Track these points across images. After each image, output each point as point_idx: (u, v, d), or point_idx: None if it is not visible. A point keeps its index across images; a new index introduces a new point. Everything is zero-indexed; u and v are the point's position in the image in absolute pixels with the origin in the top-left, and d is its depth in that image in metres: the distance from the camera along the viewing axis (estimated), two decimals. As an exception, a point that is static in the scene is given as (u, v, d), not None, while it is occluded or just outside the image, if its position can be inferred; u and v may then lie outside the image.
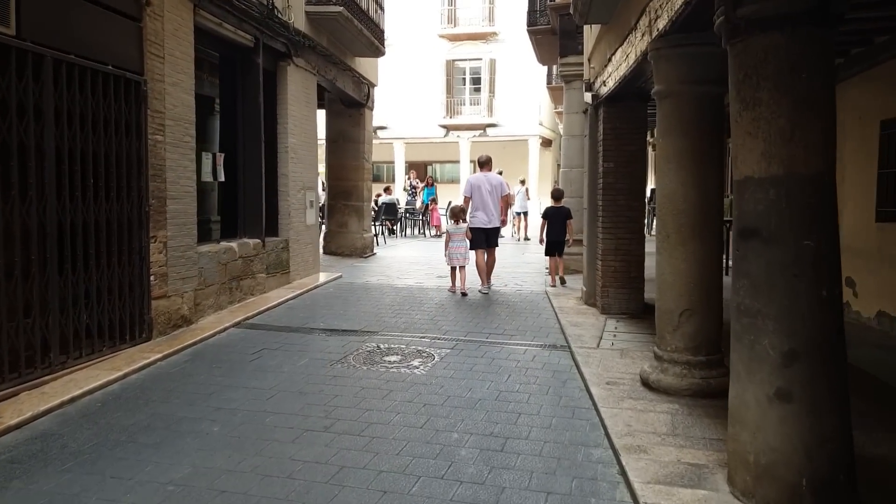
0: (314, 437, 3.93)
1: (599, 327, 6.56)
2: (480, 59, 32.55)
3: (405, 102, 33.27)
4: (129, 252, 5.69)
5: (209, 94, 7.74)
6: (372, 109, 13.08)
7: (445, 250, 8.84)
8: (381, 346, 5.98)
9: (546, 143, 34.30)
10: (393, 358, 5.62)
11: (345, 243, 12.69)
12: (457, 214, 8.94)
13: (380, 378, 5.05)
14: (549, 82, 17.52)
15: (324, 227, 13.37)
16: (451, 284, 8.88)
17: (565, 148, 10.52)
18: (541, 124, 32.34)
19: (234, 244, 7.53)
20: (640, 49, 5.04)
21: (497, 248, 9.30)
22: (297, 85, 9.10)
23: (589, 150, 7.57)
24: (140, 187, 5.79)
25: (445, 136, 33.44)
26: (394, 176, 35.05)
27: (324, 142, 13.04)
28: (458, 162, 33.85)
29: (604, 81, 6.87)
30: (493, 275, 9.39)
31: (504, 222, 9.38)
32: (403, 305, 7.88)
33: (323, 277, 9.68)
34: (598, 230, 7.30)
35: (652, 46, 4.55)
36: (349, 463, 3.56)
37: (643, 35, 4.86)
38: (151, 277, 5.94)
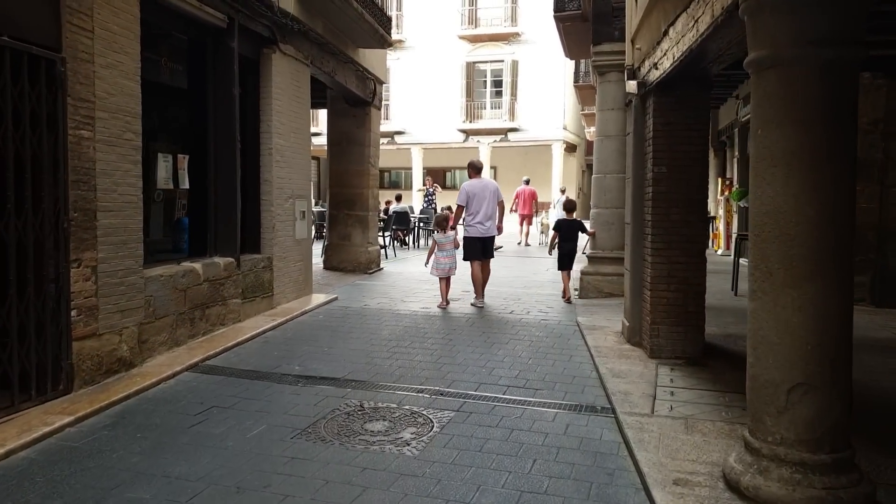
0: (232, 587, 2.54)
1: (650, 379, 5.10)
2: (502, 60, 31.21)
3: (423, 106, 32.01)
4: (39, 280, 4.37)
5: (172, 84, 6.43)
6: (379, 109, 11.73)
7: (428, 260, 8.39)
8: (366, 405, 4.58)
9: (570, 148, 32.86)
10: (378, 426, 4.21)
11: (347, 258, 11.33)
12: (441, 223, 8.42)
13: (354, 463, 3.64)
14: (576, 80, 16.11)
15: (324, 239, 12.06)
16: (440, 300, 8.26)
17: (598, 150, 9.07)
18: (565, 128, 30.91)
19: (197, 265, 6.18)
20: (719, 6, 3.61)
21: (493, 260, 8.76)
22: (285, 76, 7.77)
23: (633, 151, 6.12)
24: (56, 197, 4.47)
25: (465, 141, 32.12)
26: (412, 183, 33.79)
27: (325, 145, 11.74)
28: (478, 168, 32.48)
29: (654, 64, 5.43)
30: (513, 298, 8.09)
31: (500, 229, 8.71)
32: (403, 340, 6.48)
33: (315, 300, 8.31)
34: (647, 251, 5.84)
35: (746, -4, 3.11)
36: None
37: (727, -14, 3.44)
38: (73, 312, 4.61)
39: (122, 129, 5.05)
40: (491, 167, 32.80)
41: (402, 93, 32.38)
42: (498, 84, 31.65)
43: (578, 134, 33.95)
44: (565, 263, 9.00)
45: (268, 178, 7.54)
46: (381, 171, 37.09)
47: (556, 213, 17.66)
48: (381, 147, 33.96)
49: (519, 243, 18.47)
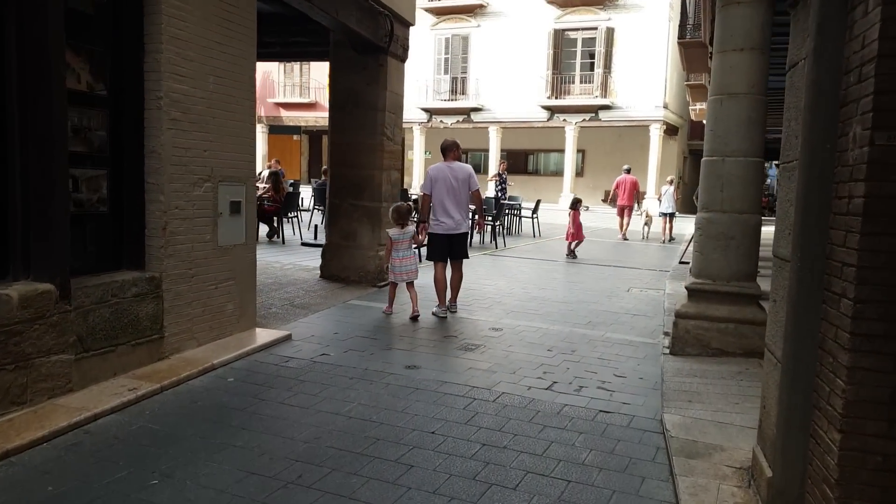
0: None
1: None
2: (595, 28, 27.32)
3: (503, 80, 28.62)
4: None
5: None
6: (403, 60, 8.61)
7: (386, 262, 6.96)
8: None
9: (671, 130, 28.68)
10: None
11: (351, 264, 8.37)
12: (402, 216, 6.83)
13: None
14: (681, 35, 12.34)
15: (323, 236, 9.17)
16: (387, 305, 6.90)
17: (714, 118, 5.60)
18: (665, 107, 26.80)
19: (-60, 303, 3.34)
20: None
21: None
22: (196, -17, 4.82)
23: (810, 103, 2.74)
24: None
25: (549, 119, 28.56)
26: (489, 167, 30.55)
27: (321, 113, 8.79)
28: (562, 151, 28.85)
29: None
30: (564, 350, 4.90)
31: (481, 226, 8.34)
32: (320, 458, 3.40)
33: (251, 341, 5.39)
34: (837, 334, 2.48)
35: None
36: None
37: None
38: None
39: None
40: (578, 150, 29.09)
41: (481, 65, 29.14)
42: (589, 55, 27.80)
43: (681, 115, 29.65)
44: None
45: (155, 147, 4.63)
46: (457, 152, 34.11)
47: (665, 205, 16.20)
48: (456, 126, 31.12)
49: (621, 238, 16.28)
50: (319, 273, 8.59)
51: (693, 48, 11.90)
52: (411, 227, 6.91)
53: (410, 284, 6.79)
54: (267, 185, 12.45)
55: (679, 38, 12.19)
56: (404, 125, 32.20)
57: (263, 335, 5.60)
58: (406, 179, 30.43)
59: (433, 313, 6.81)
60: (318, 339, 5.68)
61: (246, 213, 5.54)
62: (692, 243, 5.75)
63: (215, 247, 5.21)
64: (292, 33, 8.88)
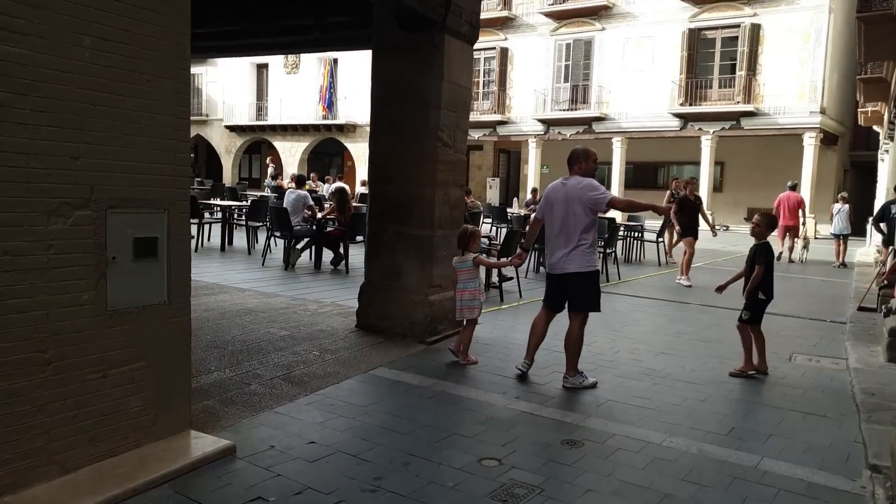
0: None
1: None
2: (737, 25, 23.83)
3: (628, 86, 25.71)
4: None
5: None
6: (469, 41, 6.39)
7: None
8: None
9: (829, 139, 24.47)
10: None
11: (394, 311, 6.23)
12: (460, 240, 5.51)
13: None
14: (861, 7, 9.26)
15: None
16: (463, 354, 5.52)
17: None
18: (823, 112, 22.75)
19: None
20: None
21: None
22: None
23: None
24: None
25: (682, 128, 25.26)
26: (611, 180, 27.60)
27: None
28: (698, 163, 25.39)
29: None
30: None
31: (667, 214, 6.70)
32: None
33: (182, 454, 3.39)
34: None
35: None
36: None
37: None
38: None
39: None
40: (716, 163, 25.51)
41: (605, 71, 26.38)
42: (730, 56, 24.28)
43: (841, 121, 25.32)
44: (759, 314, 5.58)
45: (-41, 151, 2.75)
46: (577, 167, 31.18)
47: (839, 225, 14.50)
48: (576, 137, 28.29)
49: (778, 258, 13.73)
50: (357, 321, 6.54)
51: (879, 24, 8.83)
52: (471, 254, 5.57)
53: (469, 322, 5.59)
54: (331, 204, 10.68)
55: (858, 12, 9.14)
56: (518, 138, 29.65)
57: (194, 447, 3.57)
58: (521, 195, 28.10)
59: (517, 368, 5.28)
60: (274, 457, 3.57)
61: (170, 256, 3.54)
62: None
63: (101, 312, 3.25)
64: (331, 12, 6.99)
